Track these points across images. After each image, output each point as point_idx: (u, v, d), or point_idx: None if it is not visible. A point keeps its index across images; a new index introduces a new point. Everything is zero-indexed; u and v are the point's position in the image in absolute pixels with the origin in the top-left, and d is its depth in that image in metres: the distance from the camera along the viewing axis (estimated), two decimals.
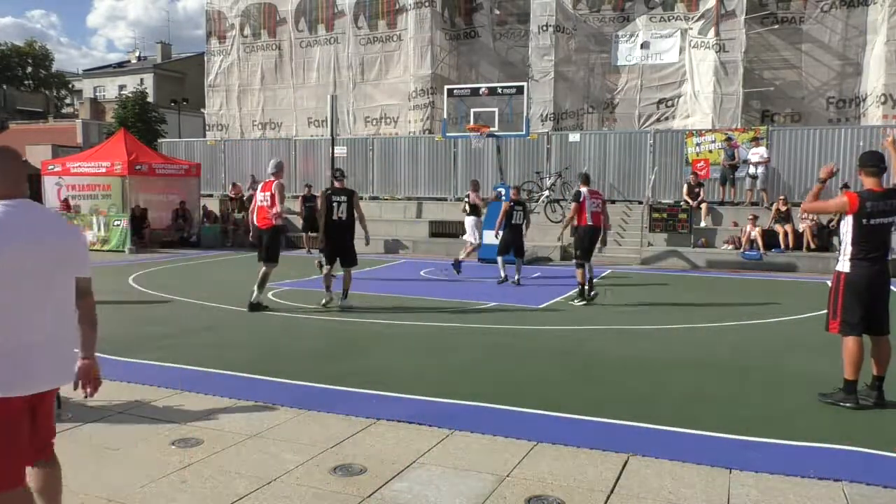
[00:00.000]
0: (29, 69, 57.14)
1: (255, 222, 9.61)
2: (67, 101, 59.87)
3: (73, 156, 22.00)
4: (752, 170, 16.95)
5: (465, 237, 14.64)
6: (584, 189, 10.36)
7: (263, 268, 9.36)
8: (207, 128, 28.32)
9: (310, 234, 18.15)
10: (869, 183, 5.19)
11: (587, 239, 10.30)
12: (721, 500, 3.61)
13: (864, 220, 5.01)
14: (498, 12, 24.52)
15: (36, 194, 25.50)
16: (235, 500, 3.55)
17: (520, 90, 15.87)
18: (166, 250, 18.03)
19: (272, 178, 9.43)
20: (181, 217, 19.93)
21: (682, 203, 16.91)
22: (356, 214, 9.59)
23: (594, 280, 10.43)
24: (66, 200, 19.10)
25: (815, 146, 17.17)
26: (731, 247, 15.71)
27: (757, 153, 16.91)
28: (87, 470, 3.92)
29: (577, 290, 10.29)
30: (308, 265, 14.22)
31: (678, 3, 21.64)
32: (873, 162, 5.19)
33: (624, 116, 22.40)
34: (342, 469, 3.95)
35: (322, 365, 6.39)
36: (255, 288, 9.31)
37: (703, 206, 16.84)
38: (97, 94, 51.40)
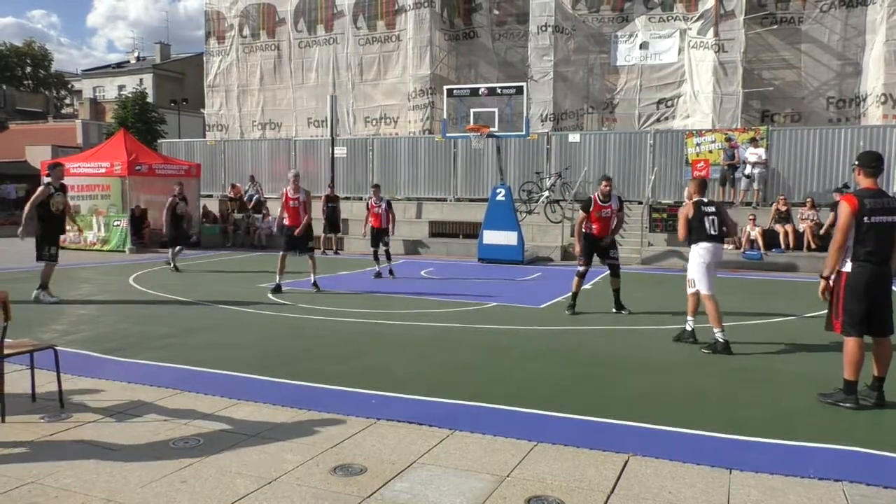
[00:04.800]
0: (28, 69, 57.09)
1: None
2: (67, 101, 59.84)
3: (72, 156, 21.99)
4: (748, 170, 16.97)
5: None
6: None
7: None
8: (207, 128, 28.33)
9: (327, 234, 18.11)
10: (866, 182, 5.20)
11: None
12: (721, 500, 3.61)
13: (866, 218, 5.00)
14: (497, 13, 24.53)
15: None
16: (235, 500, 3.55)
17: (519, 90, 15.87)
18: (166, 250, 18.00)
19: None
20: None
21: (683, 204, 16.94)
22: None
23: None
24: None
25: (815, 146, 17.17)
26: (731, 247, 15.70)
27: (755, 153, 16.92)
28: (87, 470, 3.91)
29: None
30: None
31: (677, 3, 21.65)
32: (873, 163, 5.22)
33: (624, 116, 22.41)
34: (342, 469, 3.95)
35: (322, 365, 6.38)
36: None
37: None
38: (97, 94, 51.41)
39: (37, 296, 9.82)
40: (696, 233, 7.25)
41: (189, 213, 14.67)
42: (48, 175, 10.29)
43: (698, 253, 7.23)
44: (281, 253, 11.17)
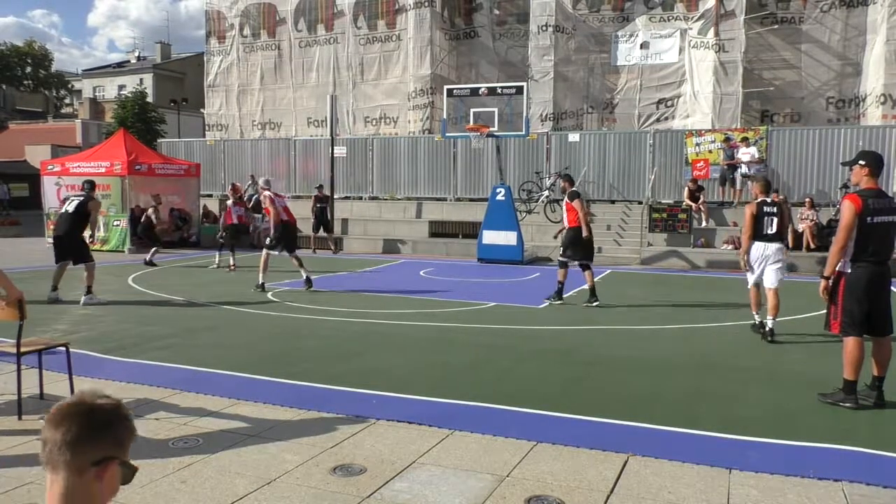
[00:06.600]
0: (28, 69, 57.13)
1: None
2: (67, 101, 59.87)
3: (72, 156, 21.99)
4: (744, 170, 16.98)
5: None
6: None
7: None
8: (207, 128, 28.31)
9: (317, 234, 18.22)
10: (870, 182, 5.21)
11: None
12: (721, 500, 3.61)
13: (869, 219, 5.01)
14: (497, 12, 24.52)
15: (36, 194, 25.52)
16: (235, 500, 3.55)
17: (519, 90, 15.86)
18: (166, 250, 18.00)
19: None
20: (179, 219, 19.91)
21: (683, 204, 16.94)
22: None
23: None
24: (65, 200, 19.08)
25: (815, 146, 17.16)
26: (730, 247, 15.70)
27: (747, 153, 16.95)
28: None
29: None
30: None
31: (678, 3, 21.65)
32: (881, 164, 5.31)
33: (624, 116, 22.40)
34: (342, 469, 3.95)
35: (322, 365, 6.38)
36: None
37: (703, 207, 16.86)
38: (96, 94, 51.43)
39: (87, 301, 9.78)
40: (755, 231, 7.70)
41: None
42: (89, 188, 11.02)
43: (752, 249, 7.76)
44: (265, 252, 11.07)
